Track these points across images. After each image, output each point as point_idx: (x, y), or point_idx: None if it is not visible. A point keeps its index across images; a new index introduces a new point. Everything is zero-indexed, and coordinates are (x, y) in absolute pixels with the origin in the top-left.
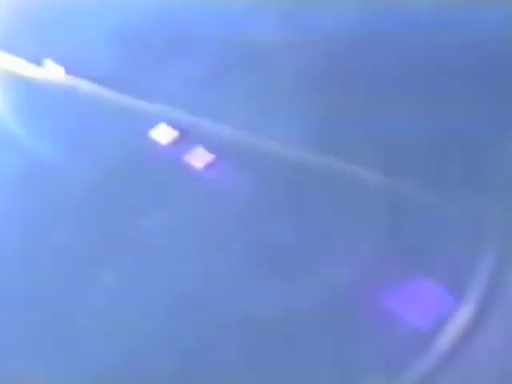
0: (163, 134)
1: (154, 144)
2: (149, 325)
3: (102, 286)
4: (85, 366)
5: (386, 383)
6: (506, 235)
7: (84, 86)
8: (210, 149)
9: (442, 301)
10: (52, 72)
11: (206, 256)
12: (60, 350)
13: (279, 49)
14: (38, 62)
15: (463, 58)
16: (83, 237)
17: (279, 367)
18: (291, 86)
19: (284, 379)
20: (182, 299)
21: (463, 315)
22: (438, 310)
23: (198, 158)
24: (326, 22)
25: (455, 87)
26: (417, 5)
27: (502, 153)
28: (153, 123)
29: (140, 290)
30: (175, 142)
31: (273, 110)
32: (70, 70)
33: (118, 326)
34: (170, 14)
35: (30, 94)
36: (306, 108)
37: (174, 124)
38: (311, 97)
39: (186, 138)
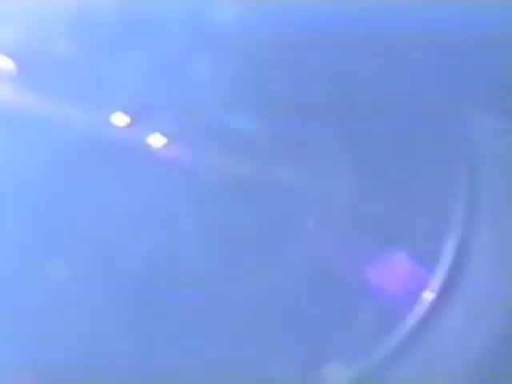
0: (121, 118)
1: (112, 127)
2: (108, 318)
3: (51, 277)
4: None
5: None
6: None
7: (37, 71)
8: (171, 132)
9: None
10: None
11: (166, 240)
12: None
13: (247, 40)
14: None
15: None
16: (37, 224)
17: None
18: (260, 78)
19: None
20: (146, 288)
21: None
22: (409, 284)
23: (157, 141)
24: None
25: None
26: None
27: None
28: (110, 108)
29: (96, 280)
30: (133, 126)
31: (237, 98)
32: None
33: (69, 321)
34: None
35: None
36: (268, 100)
37: (132, 108)
38: (276, 90)
39: (145, 121)
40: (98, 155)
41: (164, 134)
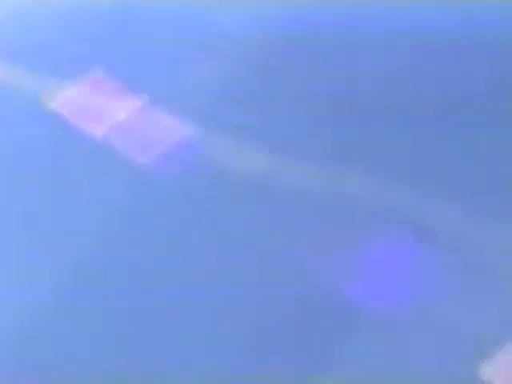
0: (101, 125)
1: (90, 137)
2: (91, 331)
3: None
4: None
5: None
6: None
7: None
8: (154, 142)
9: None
10: None
11: (148, 253)
12: None
13: (242, 43)
14: None
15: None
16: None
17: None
18: (262, 80)
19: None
20: (125, 304)
21: None
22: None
23: (141, 152)
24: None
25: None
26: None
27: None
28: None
29: (74, 292)
30: (114, 134)
31: (227, 104)
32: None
33: (68, 325)
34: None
35: None
36: (266, 103)
37: (114, 114)
38: (278, 91)
39: (127, 129)
40: (73, 164)
41: (162, 136)
